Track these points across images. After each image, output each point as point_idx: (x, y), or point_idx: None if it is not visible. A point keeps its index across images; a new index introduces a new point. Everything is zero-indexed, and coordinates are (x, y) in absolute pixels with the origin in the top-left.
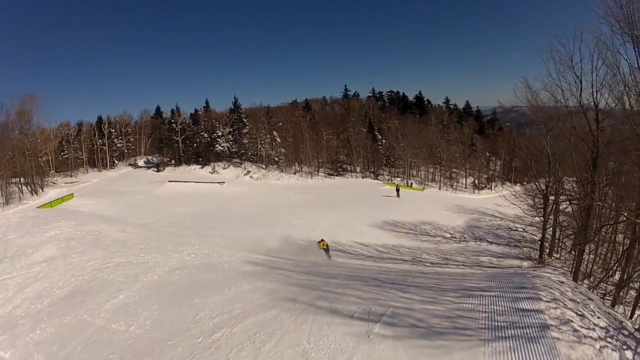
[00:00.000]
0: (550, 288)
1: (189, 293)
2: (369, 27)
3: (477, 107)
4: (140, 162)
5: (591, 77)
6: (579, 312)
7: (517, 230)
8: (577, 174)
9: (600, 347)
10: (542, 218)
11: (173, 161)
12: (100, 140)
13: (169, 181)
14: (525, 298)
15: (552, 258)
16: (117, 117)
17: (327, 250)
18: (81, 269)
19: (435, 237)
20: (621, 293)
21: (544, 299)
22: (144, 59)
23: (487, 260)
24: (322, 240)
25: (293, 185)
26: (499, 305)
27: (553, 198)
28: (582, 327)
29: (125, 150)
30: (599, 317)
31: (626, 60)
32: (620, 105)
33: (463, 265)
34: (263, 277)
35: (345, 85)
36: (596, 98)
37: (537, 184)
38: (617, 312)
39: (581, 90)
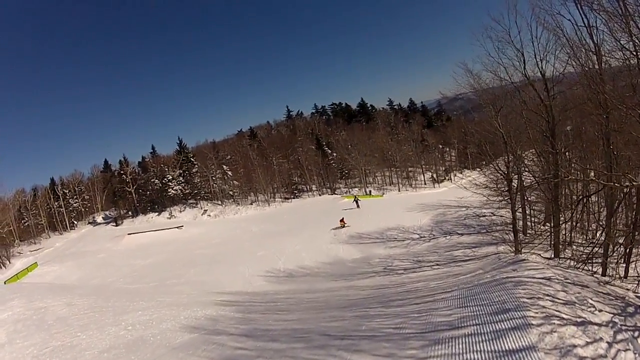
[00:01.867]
0: (538, 299)
1: None
2: (303, 44)
3: (422, 102)
4: (99, 219)
5: (533, 47)
6: (579, 321)
7: (485, 216)
8: (536, 147)
9: (612, 356)
10: (509, 201)
11: (130, 213)
12: (56, 203)
13: (128, 234)
14: (511, 329)
15: (527, 235)
16: (69, 176)
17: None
18: (22, 358)
19: (403, 240)
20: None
21: (534, 322)
22: (84, 113)
23: (462, 254)
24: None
25: (251, 216)
26: (477, 352)
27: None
28: (587, 343)
29: (82, 209)
30: (600, 311)
31: (569, 20)
32: (576, 66)
33: (437, 264)
34: (193, 351)
35: (287, 106)
36: (542, 67)
37: (496, 166)
38: (612, 281)
39: (524, 62)
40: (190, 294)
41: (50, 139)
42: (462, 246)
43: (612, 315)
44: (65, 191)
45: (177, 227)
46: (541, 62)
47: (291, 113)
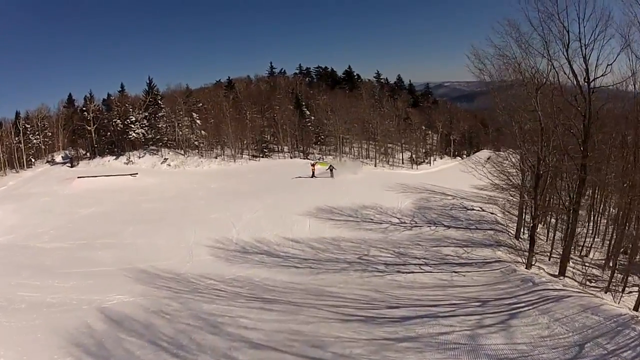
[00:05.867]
0: None
1: None
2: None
3: (410, 81)
4: (58, 158)
5: (578, 28)
6: None
7: (474, 209)
8: (563, 145)
9: None
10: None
11: (88, 154)
12: (16, 138)
13: (78, 177)
14: None
15: (520, 241)
16: (35, 110)
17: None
18: None
19: (381, 223)
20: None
21: None
22: (57, 45)
23: (453, 253)
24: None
25: (214, 171)
26: None
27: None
28: None
29: (43, 147)
30: None
31: None
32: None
33: (426, 264)
34: None
35: (271, 63)
36: (585, 53)
37: (526, 158)
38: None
39: (568, 43)
40: (99, 276)
41: (22, 68)
42: (450, 242)
43: None
44: (27, 126)
45: (131, 175)
46: (585, 48)
47: (274, 70)
